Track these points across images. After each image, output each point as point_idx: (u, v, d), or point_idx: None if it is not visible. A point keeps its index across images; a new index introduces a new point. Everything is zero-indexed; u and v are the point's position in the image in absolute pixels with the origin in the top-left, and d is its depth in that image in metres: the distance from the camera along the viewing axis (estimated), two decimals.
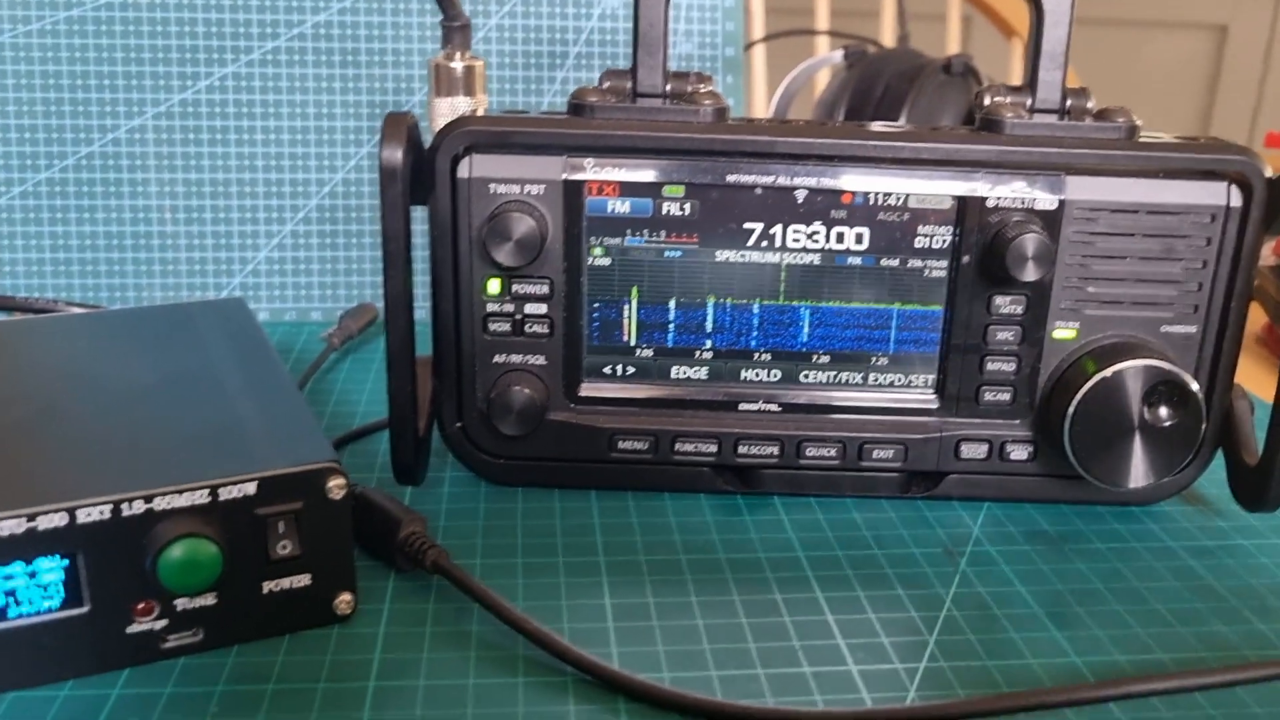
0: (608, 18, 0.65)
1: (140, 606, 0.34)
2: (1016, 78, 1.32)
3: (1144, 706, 0.34)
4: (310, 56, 0.62)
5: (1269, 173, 0.42)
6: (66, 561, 0.33)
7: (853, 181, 0.43)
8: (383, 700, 0.33)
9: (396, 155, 0.39)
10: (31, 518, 0.32)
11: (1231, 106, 2.33)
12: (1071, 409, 0.43)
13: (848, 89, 0.88)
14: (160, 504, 0.33)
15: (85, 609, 0.33)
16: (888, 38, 1.35)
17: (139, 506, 0.33)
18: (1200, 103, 2.36)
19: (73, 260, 0.62)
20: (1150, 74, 2.28)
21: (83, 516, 0.32)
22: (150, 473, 0.34)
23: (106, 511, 0.32)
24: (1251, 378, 0.64)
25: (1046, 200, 0.42)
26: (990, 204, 0.43)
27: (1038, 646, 0.37)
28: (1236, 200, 0.43)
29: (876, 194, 0.43)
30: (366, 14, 0.62)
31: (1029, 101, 0.44)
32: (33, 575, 0.32)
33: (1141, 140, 0.43)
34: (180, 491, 0.33)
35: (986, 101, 0.44)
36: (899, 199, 0.43)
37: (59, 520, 0.32)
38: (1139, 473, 0.43)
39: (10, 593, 0.32)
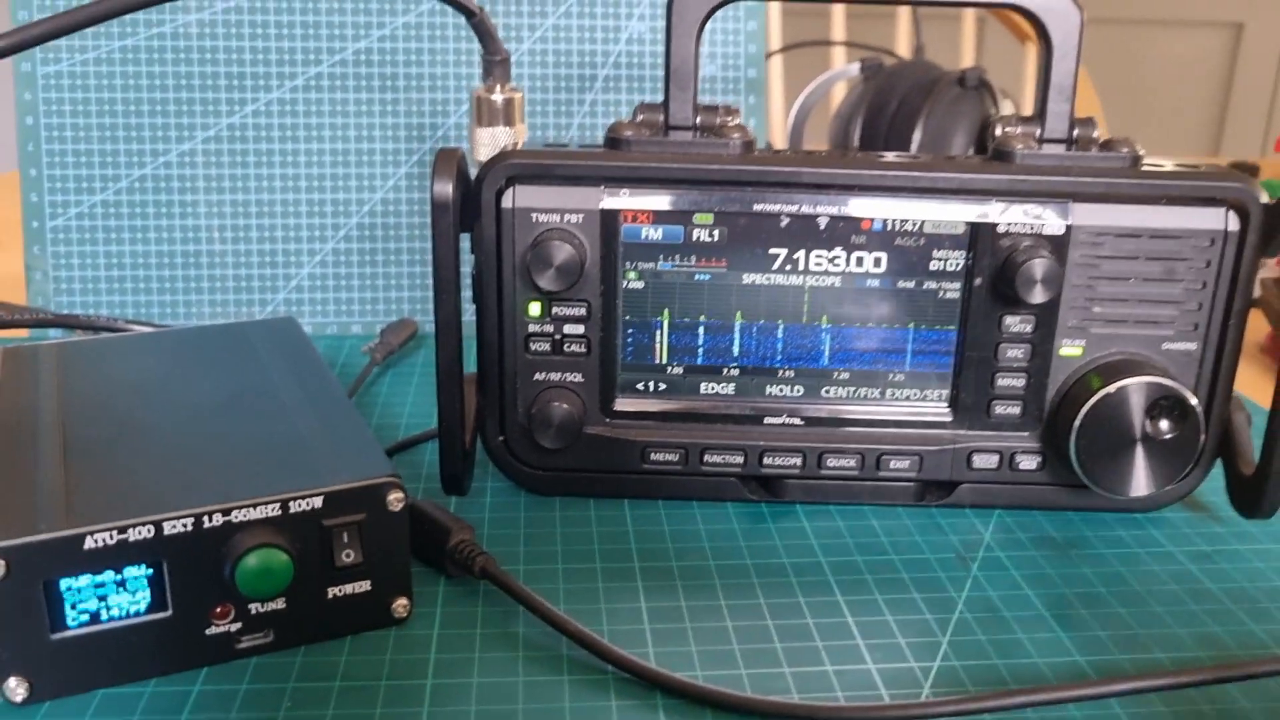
0: (634, 42, 0.67)
1: (218, 610, 0.37)
2: (1030, 81, 1.34)
3: (1142, 702, 0.36)
4: (351, 82, 0.65)
5: (1265, 199, 0.45)
6: (152, 570, 0.36)
7: (872, 209, 0.45)
8: (440, 696, 0.36)
9: (448, 189, 0.42)
10: (122, 530, 0.35)
11: (1247, 104, 2.34)
12: (1078, 422, 0.45)
13: (864, 103, 0.91)
14: (237, 516, 0.36)
15: (168, 613, 0.36)
16: (903, 42, 1.37)
17: (218, 519, 0.36)
18: (1215, 100, 2.36)
19: (126, 278, 0.66)
20: (1165, 72, 2.29)
21: (168, 529, 0.35)
22: (227, 487, 0.37)
23: (189, 524, 0.35)
24: (1255, 386, 0.67)
25: (1054, 226, 0.45)
26: (1001, 229, 0.45)
27: (1044, 646, 0.39)
28: (1234, 225, 0.45)
29: (894, 221, 0.45)
30: (405, 40, 0.65)
31: (1038, 132, 0.47)
32: (122, 583, 0.35)
33: (1144, 169, 0.46)
34: (255, 505, 0.36)
35: (998, 132, 0.47)
36: (915, 225, 0.46)
37: (146, 532, 0.35)
38: (1141, 482, 0.46)
39: (102, 598, 0.35)
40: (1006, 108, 0.88)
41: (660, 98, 0.55)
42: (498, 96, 0.52)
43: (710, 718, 0.36)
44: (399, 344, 0.64)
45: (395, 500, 0.38)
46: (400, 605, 0.39)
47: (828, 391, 0.48)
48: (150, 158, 0.65)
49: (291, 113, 0.65)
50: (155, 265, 0.66)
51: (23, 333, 0.65)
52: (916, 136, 0.86)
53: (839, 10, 1.33)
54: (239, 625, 0.37)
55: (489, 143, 0.52)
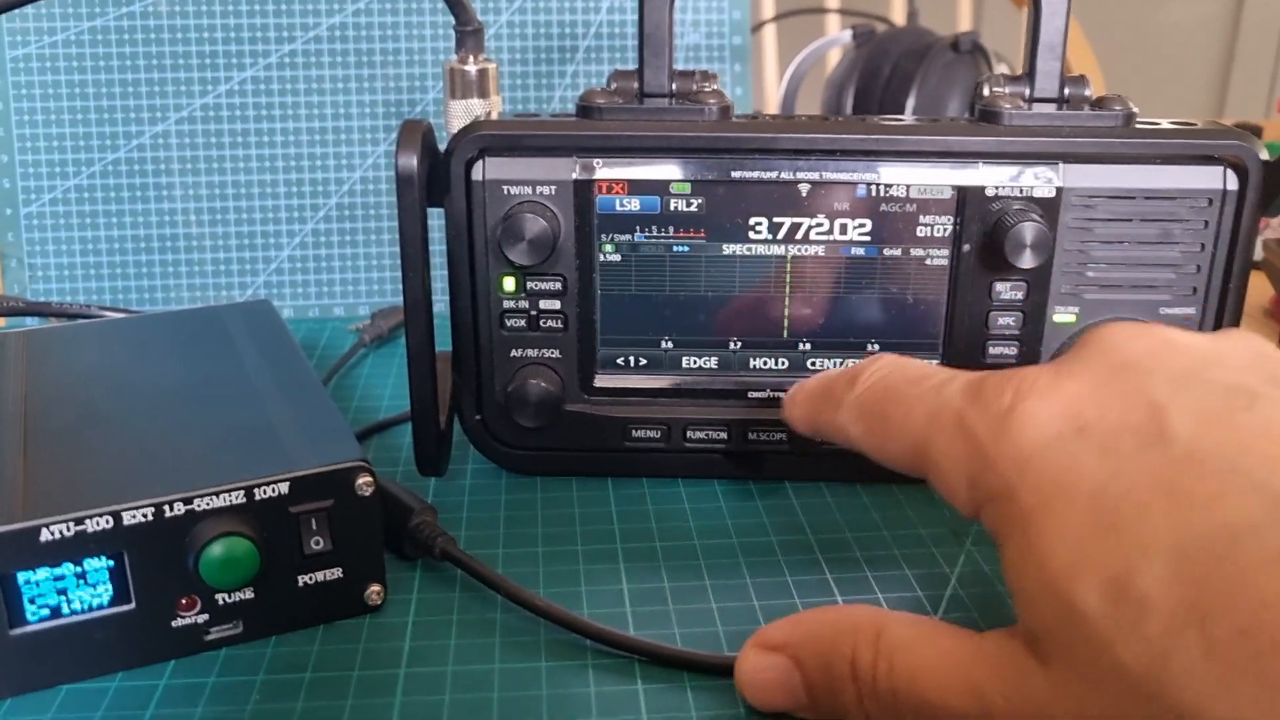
0: (615, 10, 0.66)
1: (183, 602, 0.36)
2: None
3: None
4: (326, 59, 0.64)
5: (1264, 156, 0.43)
6: (113, 562, 0.35)
7: (855, 174, 0.44)
8: (414, 685, 0.35)
9: (412, 161, 0.41)
10: (80, 521, 0.34)
11: (1250, 67, 2.31)
12: None
13: (856, 69, 0.89)
14: (200, 505, 0.35)
15: (132, 605, 0.35)
16: (898, 12, 1.35)
17: (180, 508, 0.35)
18: (1218, 66, 2.34)
19: (103, 264, 0.64)
20: (1168, 36, 2.26)
21: (127, 519, 0.34)
22: (190, 475, 0.36)
23: (150, 514, 0.34)
24: None
25: (1045, 188, 0.44)
26: (990, 193, 0.44)
27: None
28: (1233, 184, 0.44)
29: (878, 186, 0.44)
30: (380, 15, 0.64)
31: (1027, 91, 0.45)
32: (82, 575, 0.34)
33: (1138, 127, 0.44)
34: (218, 493, 0.35)
35: (986, 92, 0.45)
36: (900, 190, 0.44)
37: (105, 523, 0.34)
38: None
39: (62, 592, 0.34)
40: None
41: None
42: (471, 68, 0.50)
43: (688, 686, 0.35)
44: (389, 329, 0.62)
45: (364, 485, 0.37)
46: (374, 592, 0.38)
47: (813, 364, 0.46)
48: (124, 140, 0.64)
49: (266, 91, 0.64)
50: (132, 250, 0.65)
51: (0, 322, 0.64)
52: (910, 103, 0.84)
53: None
54: (206, 616, 0.36)
55: (463, 115, 0.50)
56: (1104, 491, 0.25)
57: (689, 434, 0.46)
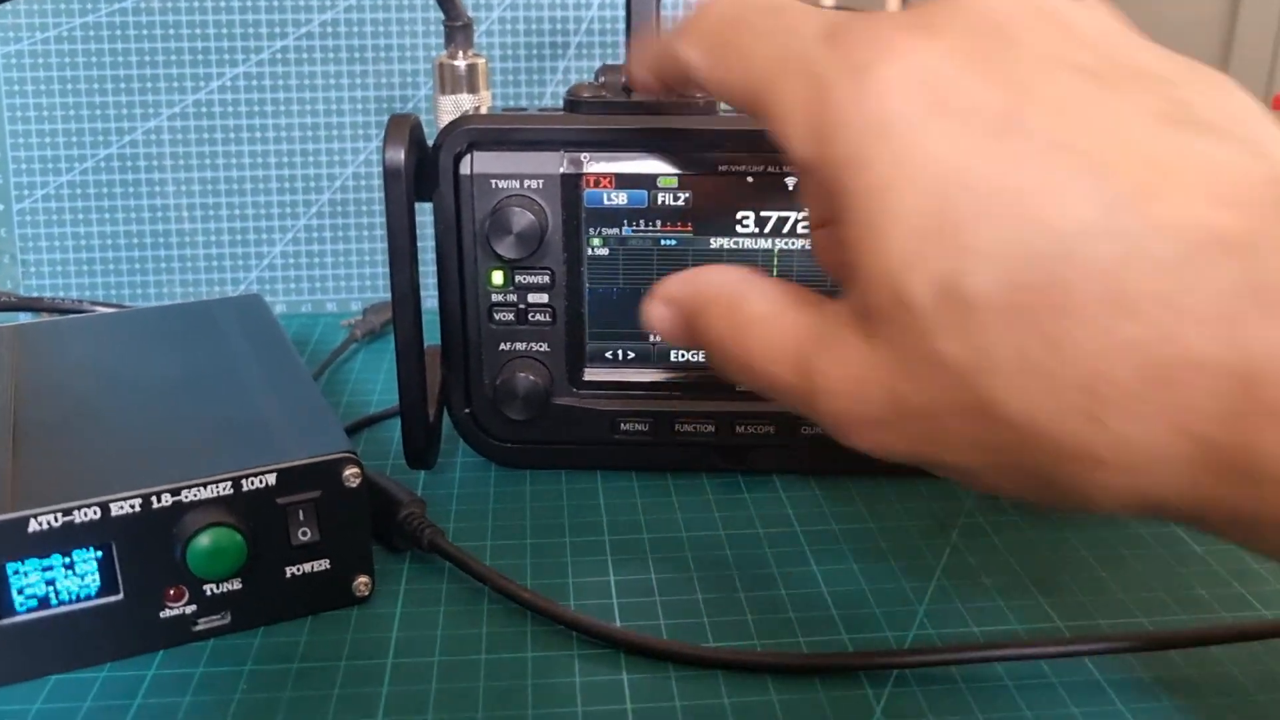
0: (607, 6, 0.66)
1: (171, 592, 0.36)
2: None
3: (1120, 664, 0.35)
4: (318, 54, 0.64)
5: None
6: (100, 553, 0.35)
7: None
8: (401, 675, 0.35)
9: (399, 155, 0.41)
10: (67, 512, 0.34)
11: (1246, 66, 2.31)
12: None
13: None
14: (187, 496, 0.35)
15: (120, 596, 0.35)
16: (892, 8, 1.35)
17: (167, 499, 0.35)
18: (1214, 62, 2.34)
19: (95, 260, 0.65)
20: (1164, 32, 2.26)
21: (115, 509, 0.34)
22: (177, 466, 0.36)
23: (137, 505, 0.35)
24: None
25: None
26: None
27: (1024, 613, 0.38)
28: None
29: None
30: (372, 11, 0.64)
31: None
32: (69, 566, 0.35)
33: None
34: (205, 484, 0.35)
35: None
36: None
37: (93, 514, 0.34)
38: None
39: (50, 583, 0.34)
40: None
41: None
42: (460, 63, 0.50)
43: (673, 676, 0.35)
44: (381, 324, 0.63)
45: (351, 476, 0.37)
46: (361, 583, 0.39)
47: None
48: (116, 136, 0.64)
49: (259, 87, 0.64)
50: (125, 246, 0.65)
51: None
52: None
53: None
54: (194, 607, 0.36)
55: (452, 110, 0.50)
56: (947, 182, 0.24)
57: (677, 427, 0.46)
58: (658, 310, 0.32)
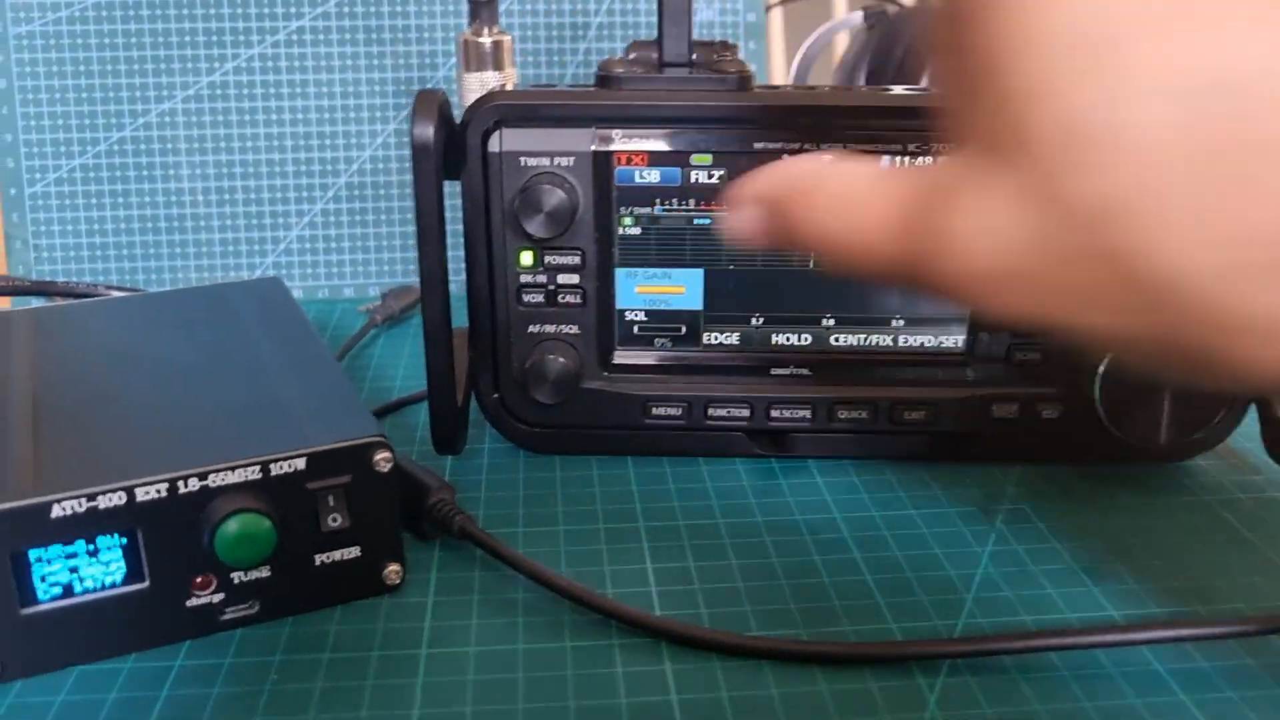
0: None
1: (198, 581, 0.35)
2: None
3: (1179, 653, 0.34)
4: (335, 35, 0.63)
5: None
6: (126, 539, 0.34)
7: (878, 145, 0.43)
8: (436, 666, 0.34)
9: (428, 132, 0.40)
10: (91, 497, 0.33)
11: None
12: (1102, 367, 0.43)
13: (868, 51, 0.88)
14: (215, 481, 0.34)
15: (145, 584, 0.34)
16: None
17: (194, 484, 0.34)
18: None
19: (109, 244, 0.63)
20: None
21: (141, 495, 0.33)
22: (204, 451, 0.35)
23: (164, 490, 0.33)
24: None
25: None
26: None
27: (1075, 600, 0.37)
28: None
29: (902, 157, 0.43)
30: None
31: None
32: (94, 553, 0.33)
33: None
34: (233, 468, 0.34)
35: None
36: (925, 160, 0.43)
37: (118, 499, 0.33)
38: (1170, 429, 0.43)
39: (74, 570, 0.33)
40: None
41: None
42: (485, 40, 0.49)
43: (718, 664, 0.34)
44: (400, 309, 0.61)
45: (382, 461, 0.36)
46: (392, 571, 0.37)
47: (836, 340, 0.45)
48: (129, 119, 0.63)
49: (274, 69, 0.63)
50: (139, 230, 0.64)
51: (4, 302, 0.63)
52: (923, 84, 0.83)
53: None
54: (222, 596, 0.35)
55: (478, 88, 0.49)
56: (1084, 20, 0.21)
57: (710, 412, 0.45)
58: (746, 211, 0.29)
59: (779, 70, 1.25)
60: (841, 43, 1.17)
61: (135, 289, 0.62)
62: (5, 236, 0.63)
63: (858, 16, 0.93)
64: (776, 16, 1.27)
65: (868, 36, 0.90)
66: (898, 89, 0.45)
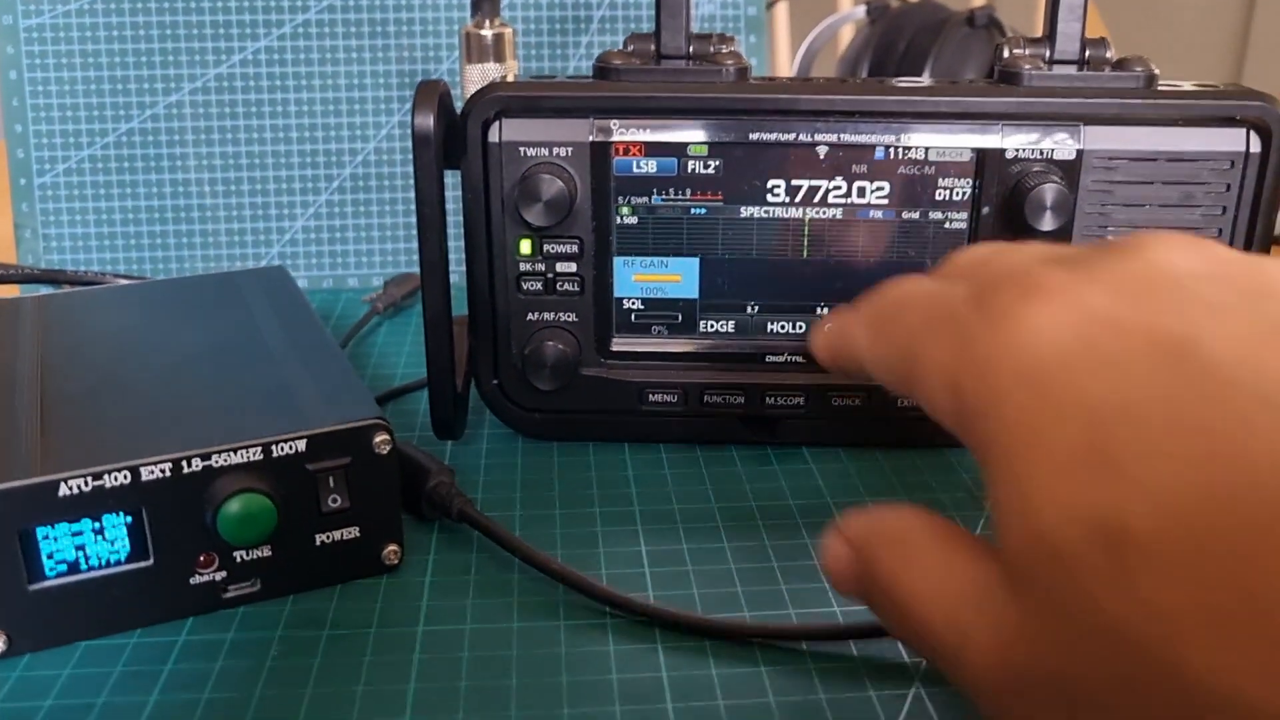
0: None
1: (201, 559, 0.36)
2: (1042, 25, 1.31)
3: None
4: (340, 28, 0.64)
5: None
6: (130, 518, 0.35)
7: (873, 137, 0.43)
8: (432, 643, 0.35)
9: (429, 121, 0.41)
10: (97, 476, 0.34)
11: (1266, 40, 2.28)
12: None
13: (870, 45, 0.89)
14: (218, 461, 0.35)
15: (150, 562, 0.35)
16: None
17: (198, 464, 0.35)
18: (1232, 48, 2.32)
19: (116, 234, 0.64)
20: (1178, 23, 2.24)
21: (145, 475, 0.34)
22: (207, 432, 0.36)
23: (167, 469, 0.34)
24: None
25: (1065, 150, 0.43)
26: (1009, 155, 0.43)
27: None
28: (1256, 146, 0.43)
29: (897, 148, 0.44)
30: None
31: (1047, 53, 0.45)
32: (99, 531, 0.34)
33: (1159, 89, 0.44)
34: (236, 449, 0.35)
35: (1005, 54, 0.45)
36: (919, 153, 0.44)
37: (123, 478, 0.34)
38: None
39: (80, 548, 0.34)
40: None
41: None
42: (487, 32, 0.50)
43: (708, 641, 0.35)
44: (401, 296, 0.62)
45: (382, 443, 0.37)
46: (391, 552, 0.38)
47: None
48: (138, 111, 0.63)
49: (280, 61, 0.64)
50: (146, 221, 0.64)
51: (13, 290, 0.64)
52: (925, 78, 0.84)
53: None
54: (224, 574, 0.36)
55: (479, 80, 0.50)
56: (1103, 414, 0.21)
57: (705, 398, 0.46)
58: (839, 549, 0.29)
59: (783, 64, 1.26)
60: (846, 37, 1.17)
61: (142, 278, 0.63)
62: (15, 226, 0.64)
63: (860, 11, 0.93)
64: (781, 11, 1.27)
65: (870, 31, 0.90)
66: (894, 80, 0.46)
